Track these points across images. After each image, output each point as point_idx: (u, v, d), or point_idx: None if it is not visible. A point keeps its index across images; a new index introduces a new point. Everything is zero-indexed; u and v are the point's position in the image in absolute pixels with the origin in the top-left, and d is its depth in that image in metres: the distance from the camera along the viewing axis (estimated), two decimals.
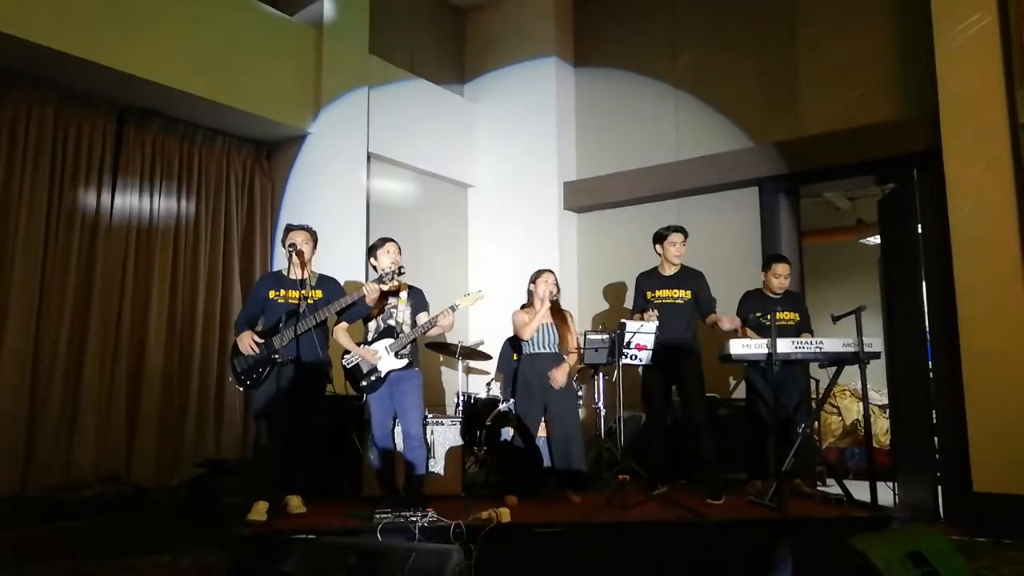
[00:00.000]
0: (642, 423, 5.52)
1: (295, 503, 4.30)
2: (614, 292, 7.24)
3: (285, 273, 4.56)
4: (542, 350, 4.93)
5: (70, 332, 5.33)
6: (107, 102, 5.62)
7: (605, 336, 4.97)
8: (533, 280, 5.04)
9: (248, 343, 4.32)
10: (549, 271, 5.05)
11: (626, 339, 4.76)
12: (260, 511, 4.03)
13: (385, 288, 4.47)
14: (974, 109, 5.40)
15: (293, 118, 6.33)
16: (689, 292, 5.08)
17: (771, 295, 5.28)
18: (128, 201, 5.72)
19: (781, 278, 5.27)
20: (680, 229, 5.19)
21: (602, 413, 6.06)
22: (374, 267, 4.67)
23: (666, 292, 5.10)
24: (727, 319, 4.96)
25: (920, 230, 5.78)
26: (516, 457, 4.82)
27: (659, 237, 5.21)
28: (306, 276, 4.43)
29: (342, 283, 4.77)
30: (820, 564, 3.79)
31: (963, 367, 5.20)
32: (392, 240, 4.75)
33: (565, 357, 4.95)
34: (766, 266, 5.37)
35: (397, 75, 7.39)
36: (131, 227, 5.72)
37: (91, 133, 5.56)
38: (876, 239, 7.81)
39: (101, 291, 5.51)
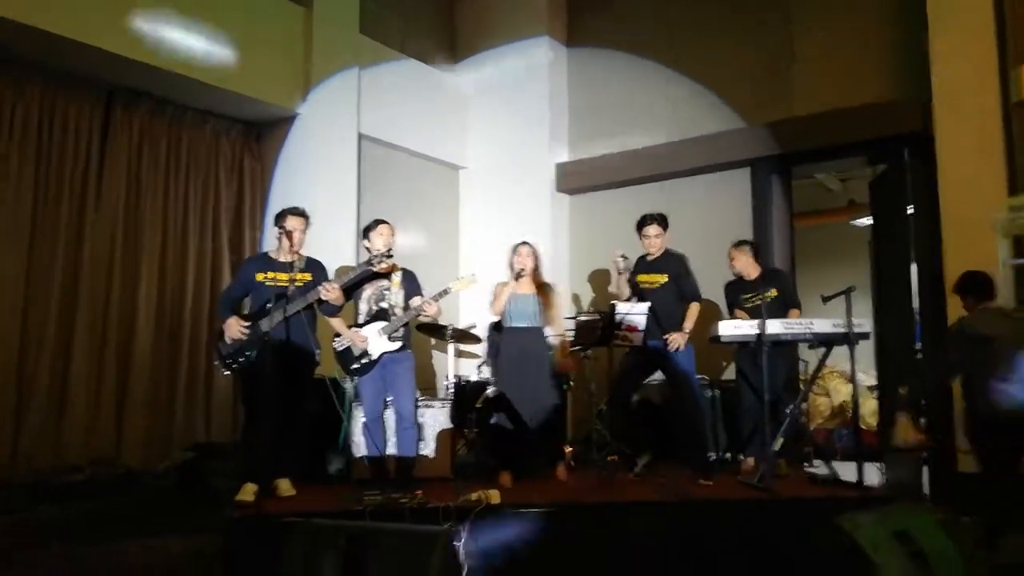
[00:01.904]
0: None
1: (284, 486, 4.30)
2: (606, 274, 7.22)
3: (273, 255, 4.54)
4: (522, 323, 4.86)
5: (59, 315, 5.31)
6: (94, 83, 5.56)
7: (596, 317, 4.96)
8: (512, 253, 5.00)
9: (237, 329, 4.29)
10: (524, 243, 4.97)
11: (616, 320, 4.75)
12: (248, 492, 4.03)
13: (341, 285, 4.42)
14: (967, 90, 5.38)
15: (282, 99, 6.28)
16: (667, 276, 5.04)
17: (747, 279, 5.29)
18: (116, 183, 5.68)
19: (736, 260, 5.30)
20: (656, 220, 5.13)
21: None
22: (368, 248, 4.65)
23: (645, 277, 5.09)
24: (679, 337, 4.91)
25: (911, 211, 5.78)
26: (505, 438, 4.81)
27: (638, 226, 5.21)
28: (295, 259, 4.40)
29: (333, 267, 4.75)
30: (808, 544, 3.81)
31: None
32: (386, 222, 4.71)
33: (549, 335, 4.93)
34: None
35: (388, 55, 7.33)
36: (119, 209, 5.69)
37: (78, 114, 5.51)
38: (867, 220, 7.82)
39: (89, 273, 5.48)
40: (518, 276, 4.86)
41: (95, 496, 4.89)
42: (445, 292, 4.62)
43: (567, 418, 6.13)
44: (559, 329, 5.02)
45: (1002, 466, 4.13)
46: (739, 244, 5.41)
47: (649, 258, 5.18)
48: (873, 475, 4.68)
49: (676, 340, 4.87)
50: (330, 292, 4.33)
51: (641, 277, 5.09)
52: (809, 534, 3.82)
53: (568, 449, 5.49)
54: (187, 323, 5.98)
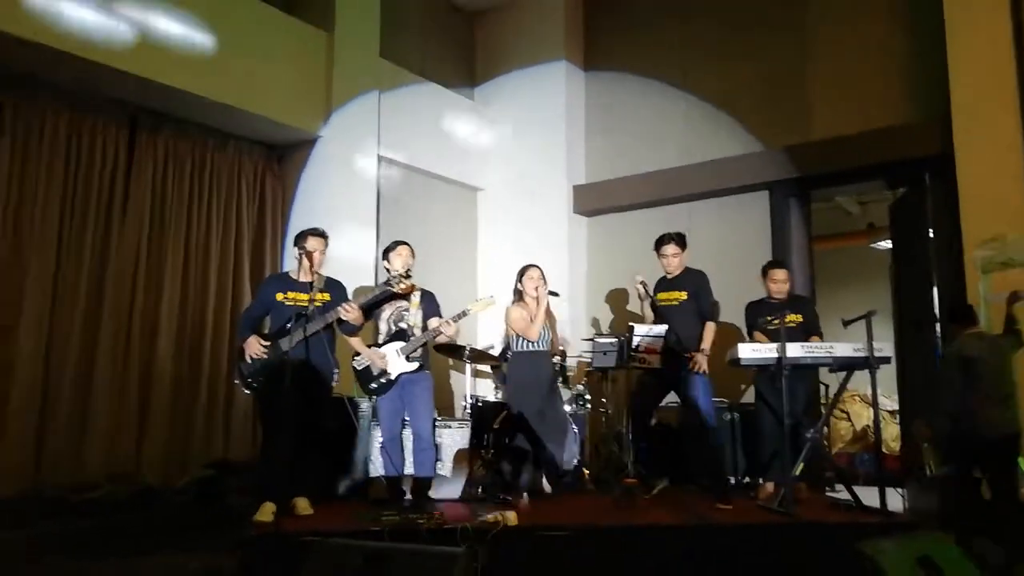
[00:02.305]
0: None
1: (302, 505, 4.31)
2: (624, 295, 7.22)
3: (292, 275, 4.57)
4: (540, 347, 4.91)
5: (82, 333, 5.36)
6: (120, 106, 5.66)
7: (614, 340, 4.96)
8: (519, 278, 5.01)
9: (256, 348, 4.33)
10: (534, 266, 5.01)
11: (635, 343, 4.74)
12: (267, 512, 4.04)
13: (360, 304, 4.44)
14: (986, 113, 5.37)
15: (304, 121, 6.36)
16: (686, 292, 5.03)
17: (773, 300, 5.26)
18: (140, 204, 5.75)
19: (779, 283, 5.26)
20: (674, 239, 5.13)
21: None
22: (387, 269, 4.70)
23: (664, 295, 5.08)
24: (702, 359, 4.87)
25: (931, 234, 5.74)
26: (523, 460, 4.81)
27: (656, 245, 5.20)
28: (314, 279, 4.44)
29: (352, 286, 4.78)
30: (829, 569, 3.76)
31: None
32: (405, 243, 4.76)
33: (558, 356, 4.99)
34: (764, 273, 5.36)
35: (408, 79, 7.41)
36: (143, 230, 5.75)
37: (104, 136, 5.60)
38: (887, 243, 7.77)
39: (113, 293, 5.54)
40: (535, 298, 4.89)
41: (114, 512, 4.90)
42: (464, 313, 4.64)
43: (585, 440, 6.11)
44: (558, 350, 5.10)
45: (998, 485, 4.23)
46: (780, 265, 5.37)
47: (669, 276, 5.17)
48: (896, 500, 4.61)
49: (700, 362, 4.84)
50: (350, 312, 4.36)
51: (661, 295, 5.08)
52: (831, 559, 3.77)
53: (585, 472, 5.47)
54: (208, 342, 6.01)
